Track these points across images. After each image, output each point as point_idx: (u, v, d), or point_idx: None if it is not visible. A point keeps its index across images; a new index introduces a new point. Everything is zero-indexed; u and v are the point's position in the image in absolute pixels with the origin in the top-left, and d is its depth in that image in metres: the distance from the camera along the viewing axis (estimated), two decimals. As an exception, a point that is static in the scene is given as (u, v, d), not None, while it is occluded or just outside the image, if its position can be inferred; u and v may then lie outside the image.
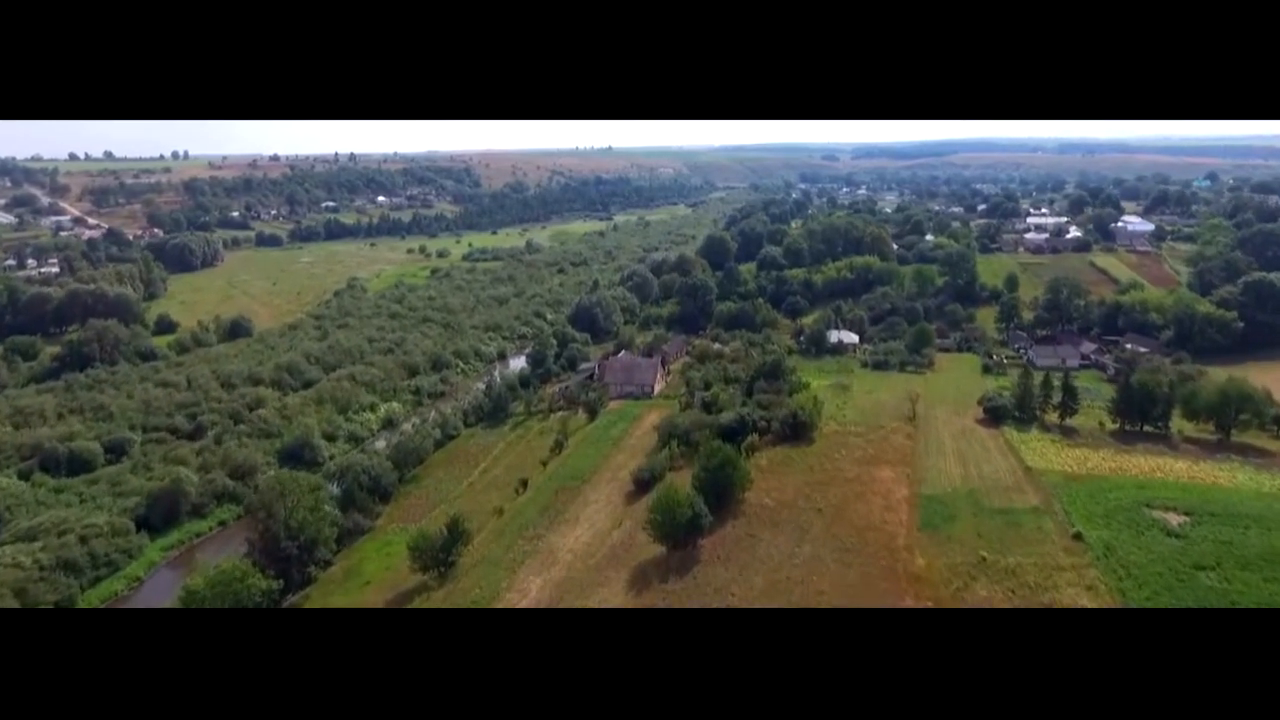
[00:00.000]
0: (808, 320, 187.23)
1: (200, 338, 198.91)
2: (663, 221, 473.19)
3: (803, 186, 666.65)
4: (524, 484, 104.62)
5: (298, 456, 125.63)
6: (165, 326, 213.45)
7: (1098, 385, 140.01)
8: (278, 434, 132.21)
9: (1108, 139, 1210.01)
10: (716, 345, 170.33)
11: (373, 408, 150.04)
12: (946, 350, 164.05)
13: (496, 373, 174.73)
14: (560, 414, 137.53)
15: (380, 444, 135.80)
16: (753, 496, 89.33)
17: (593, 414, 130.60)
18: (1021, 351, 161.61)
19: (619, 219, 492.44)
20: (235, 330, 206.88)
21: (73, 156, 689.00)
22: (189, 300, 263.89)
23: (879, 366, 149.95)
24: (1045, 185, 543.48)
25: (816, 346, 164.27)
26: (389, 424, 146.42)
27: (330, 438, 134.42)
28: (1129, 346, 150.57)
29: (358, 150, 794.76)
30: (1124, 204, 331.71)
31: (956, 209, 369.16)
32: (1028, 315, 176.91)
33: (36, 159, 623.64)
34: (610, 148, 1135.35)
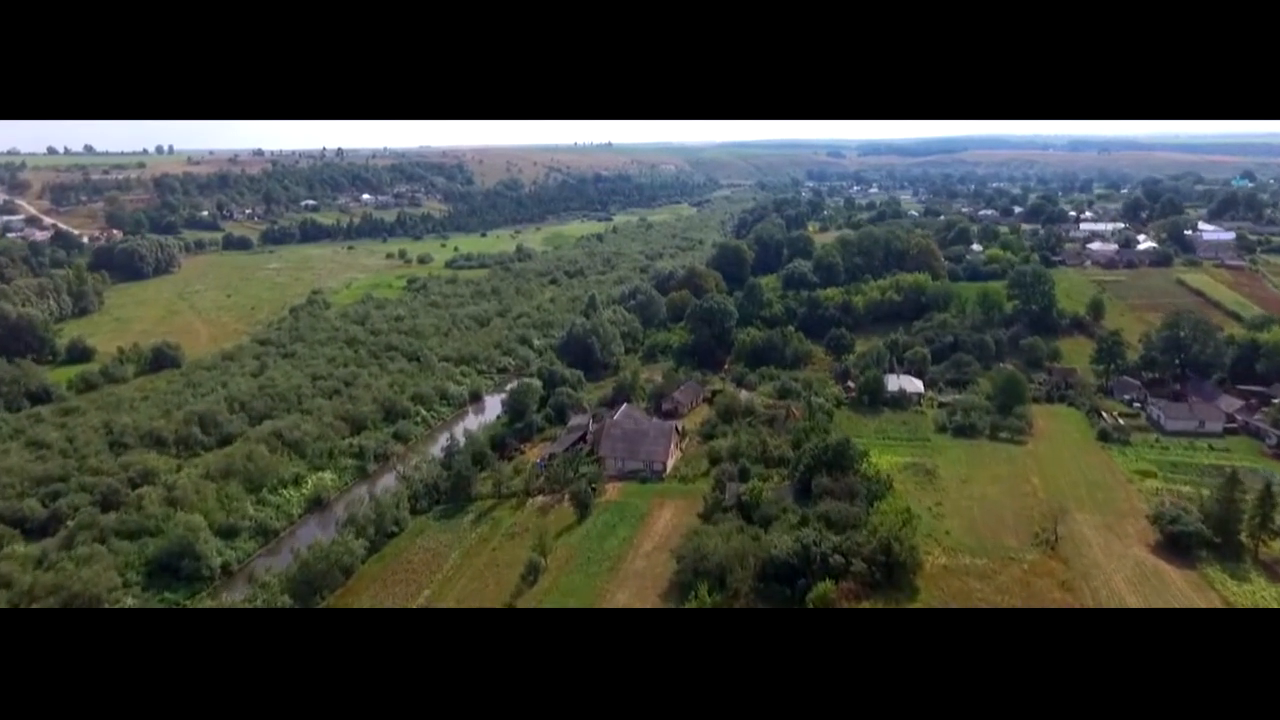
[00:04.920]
0: (853, 357, 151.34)
1: (113, 372, 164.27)
2: (666, 223, 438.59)
3: (811, 185, 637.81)
4: (476, 651, 69.37)
5: (174, 569, 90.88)
6: (78, 354, 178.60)
7: (1256, 461, 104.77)
8: (155, 531, 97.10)
9: (1117, 135, 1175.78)
10: (744, 393, 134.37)
11: (298, 481, 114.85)
12: (1035, 400, 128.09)
13: (464, 426, 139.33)
14: (539, 500, 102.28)
15: (302, 535, 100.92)
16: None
17: (583, 509, 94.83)
18: (1136, 406, 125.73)
19: (619, 219, 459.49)
20: (159, 360, 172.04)
21: (51, 151, 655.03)
22: (125, 317, 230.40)
23: (961, 432, 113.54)
24: (1070, 185, 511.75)
25: (872, 397, 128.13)
26: (317, 503, 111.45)
27: (230, 533, 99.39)
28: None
29: (346, 145, 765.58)
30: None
31: (988, 212, 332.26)
32: (1131, 355, 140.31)
33: (13, 153, 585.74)
34: (610, 144, 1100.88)
